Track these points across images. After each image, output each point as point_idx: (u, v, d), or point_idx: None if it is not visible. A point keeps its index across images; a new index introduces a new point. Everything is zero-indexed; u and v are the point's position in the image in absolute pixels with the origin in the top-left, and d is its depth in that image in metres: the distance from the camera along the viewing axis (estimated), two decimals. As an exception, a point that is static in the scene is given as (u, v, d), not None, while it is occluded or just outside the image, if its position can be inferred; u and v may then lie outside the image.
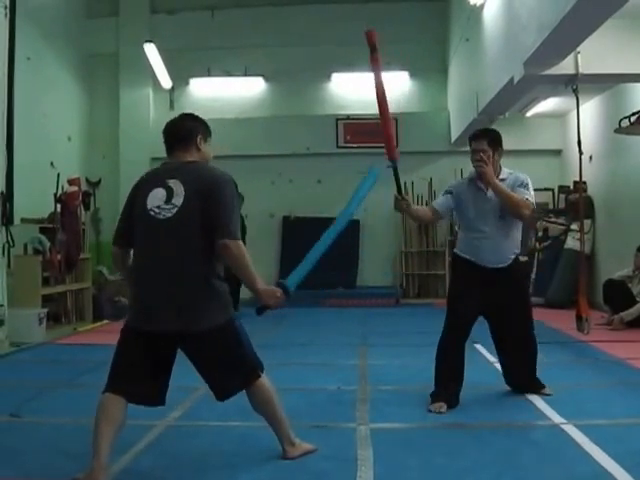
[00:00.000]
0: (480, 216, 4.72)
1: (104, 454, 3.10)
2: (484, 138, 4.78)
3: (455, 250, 4.99)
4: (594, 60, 6.96)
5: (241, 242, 3.22)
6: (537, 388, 4.96)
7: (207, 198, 3.20)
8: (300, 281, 3.57)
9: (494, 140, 4.80)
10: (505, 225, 4.70)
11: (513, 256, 4.77)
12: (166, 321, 3.19)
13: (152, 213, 3.22)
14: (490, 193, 4.71)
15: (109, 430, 3.16)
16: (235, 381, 3.37)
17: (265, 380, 3.45)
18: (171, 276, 3.20)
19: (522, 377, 4.99)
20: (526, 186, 4.69)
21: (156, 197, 3.23)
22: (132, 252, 3.39)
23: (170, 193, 3.22)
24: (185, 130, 3.48)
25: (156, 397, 3.33)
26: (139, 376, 3.25)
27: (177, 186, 3.23)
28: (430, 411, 4.55)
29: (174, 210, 3.19)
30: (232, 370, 3.34)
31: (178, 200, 3.20)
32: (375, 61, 4.56)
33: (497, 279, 4.69)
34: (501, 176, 4.75)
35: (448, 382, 4.72)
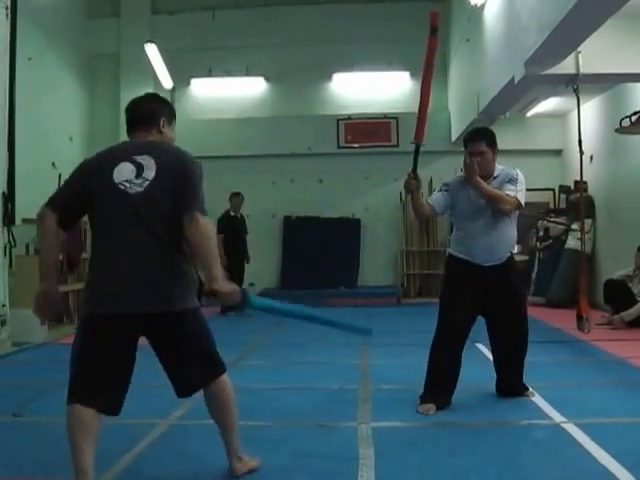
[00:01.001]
0: (475, 213, 4.68)
1: (90, 473, 2.90)
2: (483, 139, 4.71)
3: (448, 250, 4.95)
4: (595, 60, 6.97)
5: (211, 220, 3.07)
6: (522, 390, 4.94)
7: (179, 174, 3.04)
8: (264, 308, 3.32)
9: (492, 140, 4.76)
10: (500, 222, 4.66)
11: (508, 254, 4.76)
12: (137, 301, 2.95)
13: (121, 187, 3.00)
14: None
15: (90, 445, 2.92)
16: (201, 373, 3.14)
17: (228, 379, 3.24)
18: (144, 253, 2.99)
19: (512, 377, 4.94)
20: (514, 181, 4.63)
21: (124, 171, 3.03)
22: (93, 231, 3.13)
23: (140, 168, 3.04)
24: (149, 111, 3.28)
25: (119, 406, 3.07)
26: (106, 380, 2.98)
27: (147, 161, 3.05)
28: (418, 412, 4.51)
29: (145, 184, 3.00)
30: (199, 361, 3.13)
31: (149, 174, 3.02)
32: (433, 44, 4.61)
33: (492, 278, 4.66)
34: (495, 174, 4.73)
35: (438, 384, 4.67)
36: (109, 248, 3.04)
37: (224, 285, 2.95)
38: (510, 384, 4.94)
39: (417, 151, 4.65)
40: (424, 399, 4.63)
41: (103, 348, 2.96)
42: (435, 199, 4.82)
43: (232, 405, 3.26)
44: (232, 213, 10.69)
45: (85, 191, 3.09)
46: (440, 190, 4.85)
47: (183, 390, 3.22)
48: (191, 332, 3.11)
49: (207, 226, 2.98)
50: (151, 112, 3.28)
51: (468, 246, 4.72)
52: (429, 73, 4.62)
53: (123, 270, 2.97)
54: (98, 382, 2.96)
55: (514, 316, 4.82)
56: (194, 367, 3.13)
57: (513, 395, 4.88)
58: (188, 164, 3.11)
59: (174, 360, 3.12)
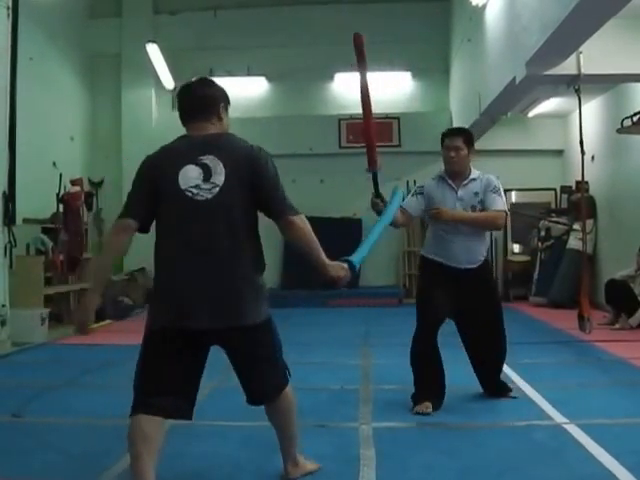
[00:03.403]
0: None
1: None
2: (459, 135, 4.74)
3: (422, 253, 4.90)
4: (596, 60, 6.95)
5: (303, 214, 2.96)
6: (504, 390, 4.95)
7: (253, 175, 2.87)
8: (363, 259, 3.34)
9: (469, 139, 4.77)
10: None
11: (482, 258, 4.76)
12: (209, 317, 2.82)
13: (189, 194, 2.81)
14: (461, 192, 4.69)
15: (152, 456, 2.80)
16: (273, 384, 3.08)
17: (290, 388, 3.16)
18: (216, 266, 2.83)
19: (490, 378, 4.96)
20: (497, 191, 4.66)
21: (190, 176, 2.82)
22: (158, 237, 2.92)
23: (207, 171, 2.83)
24: (207, 97, 3.02)
25: (191, 409, 2.99)
26: (173, 388, 2.88)
27: (214, 163, 2.84)
28: (418, 413, 4.48)
29: (215, 190, 2.81)
30: (271, 372, 3.06)
31: (218, 178, 2.82)
32: (362, 65, 4.53)
33: (468, 281, 4.65)
34: (471, 176, 4.72)
35: (430, 384, 4.65)
36: (175, 259, 2.87)
37: (339, 271, 3.00)
38: (490, 384, 4.96)
39: (375, 178, 4.56)
40: (418, 399, 4.60)
41: (172, 361, 2.88)
42: (410, 204, 4.78)
43: (293, 414, 3.21)
44: None
45: (153, 192, 2.90)
46: (415, 194, 4.82)
47: (255, 400, 3.13)
48: (263, 344, 3.02)
49: (304, 225, 2.93)
50: (210, 99, 3.03)
51: (445, 249, 4.70)
52: (367, 98, 4.53)
53: (192, 284, 2.82)
54: (165, 392, 2.87)
55: (491, 319, 4.82)
56: (266, 378, 3.06)
57: (495, 396, 4.90)
58: (260, 161, 2.92)
59: (246, 371, 3.04)
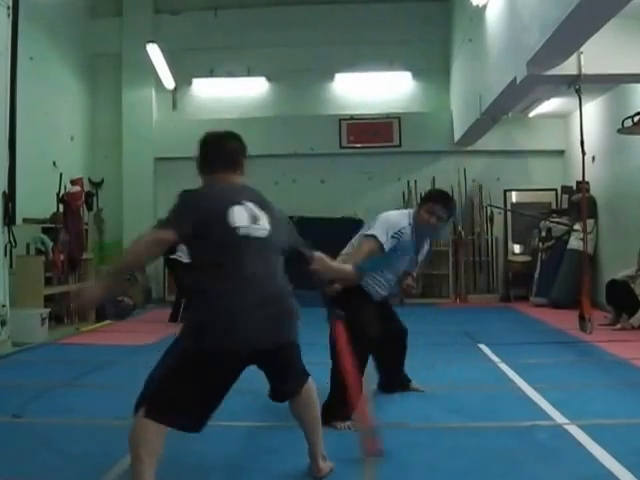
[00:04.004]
0: (403, 264, 4.81)
1: None
2: (448, 210, 4.72)
3: (367, 287, 4.76)
4: (597, 60, 6.95)
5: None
6: (408, 383, 5.15)
7: (282, 223, 3.34)
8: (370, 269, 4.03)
9: (452, 215, 4.92)
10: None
11: None
12: (261, 338, 3.03)
13: (244, 231, 3.07)
14: (420, 246, 4.86)
15: (153, 462, 2.93)
16: (295, 382, 3.33)
17: (312, 383, 3.41)
18: (273, 292, 3.12)
19: (398, 374, 5.14)
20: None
21: (241, 216, 3.08)
22: (202, 263, 3.11)
23: (253, 214, 3.13)
24: (235, 152, 3.35)
25: (203, 426, 3.14)
26: (196, 410, 3.05)
27: (256, 209, 3.16)
28: (342, 428, 4.30)
29: (265, 232, 3.13)
30: (294, 372, 3.34)
31: (264, 223, 3.15)
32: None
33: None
34: None
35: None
36: (230, 287, 3.03)
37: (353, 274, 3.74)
38: (394, 381, 5.14)
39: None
40: (344, 416, 4.36)
41: (207, 383, 3.02)
42: (387, 242, 4.58)
43: (316, 408, 3.42)
44: None
45: (199, 222, 3.04)
46: (394, 236, 4.61)
47: (279, 397, 3.38)
48: (295, 353, 3.32)
49: (325, 255, 3.55)
50: (237, 153, 3.35)
51: (383, 287, 4.85)
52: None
53: (248, 310, 3.01)
54: (186, 412, 3.01)
55: (395, 312, 5.20)
56: (290, 378, 3.31)
57: (398, 390, 5.08)
58: (285, 216, 3.48)
59: (274, 374, 3.29)
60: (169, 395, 2.97)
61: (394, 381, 5.18)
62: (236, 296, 3.01)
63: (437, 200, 4.71)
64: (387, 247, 4.50)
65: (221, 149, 3.32)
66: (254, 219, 3.11)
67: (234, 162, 3.31)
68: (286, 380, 3.30)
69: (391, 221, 4.61)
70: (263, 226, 3.13)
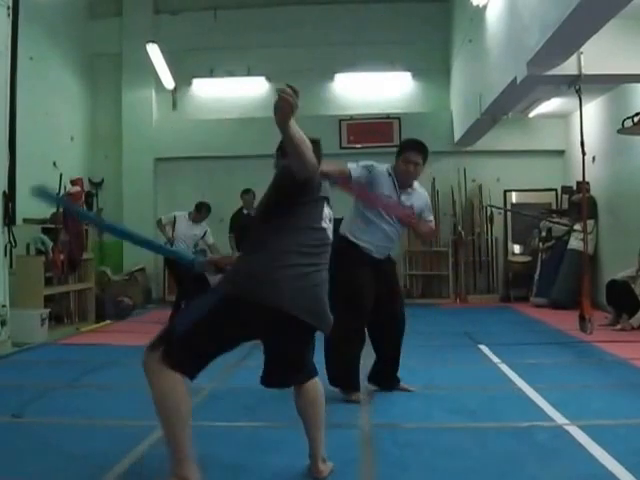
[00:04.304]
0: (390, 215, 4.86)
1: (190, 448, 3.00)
2: (422, 153, 4.94)
3: (346, 234, 4.88)
4: (597, 61, 6.96)
5: None
6: (397, 382, 5.13)
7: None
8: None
9: (426, 157, 5.01)
10: (401, 227, 5.01)
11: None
12: (309, 307, 3.10)
13: (324, 225, 3.32)
14: (403, 198, 4.92)
15: (187, 422, 2.99)
16: (296, 376, 3.31)
17: (318, 380, 3.40)
18: (323, 272, 3.26)
19: (392, 369, 5.10)
20: (430, 209, 5.18)
21: (327, 216, 3.36)
22: (290, 231, 3.20)
23: (329, 216, 3.40)
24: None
25: (198, 374, 3.12)
26: (210, 357, 3.08)
27: (329, 211, 3.42)
28: (351, 401, 4.67)
29: (328, 231, 3.36)
30: (299, 365, 3.31)
31: (329, 223, 3.39)
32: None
33: (383, 270, 4.92)
34: (414, 186, 5.03)
35: (357, 370, 4.85)
36: (304, 263, 3.15)
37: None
38: (387, 377, 5.11)
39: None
40: (350, 388, 4.77)
41: (232, 332, 3.05)
42: (356, 170, 4.76)
43: (321, 406, 3.37)
44: (245, 211, 10.26)
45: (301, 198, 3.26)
46: (364, 167, 4.82)
47: (271, 383, 3.37)
48: (310, 342, 3.31)
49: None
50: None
51: (371, 240, 4.84)
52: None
53: (311, 289, 3.14)
54: (203, 357, 3.04)
55: (399, 306, 5.03)
56: (292, 370, 3.28)
57: (387, 388, 5.07)
58: None
59: (278, 358, 3.26)
60: (193, 343, 2.99)
61: (389, 372, 5.13)
62: (305, 271, 3.14)
63: (410, 148, 4.94)
64: (355, 174, 4.69)
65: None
66: (330, 220, 3.42)
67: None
68: (284, 367, 3.27)
69: (368, 162, 4.90)
70: (329, 225, 3.40)
